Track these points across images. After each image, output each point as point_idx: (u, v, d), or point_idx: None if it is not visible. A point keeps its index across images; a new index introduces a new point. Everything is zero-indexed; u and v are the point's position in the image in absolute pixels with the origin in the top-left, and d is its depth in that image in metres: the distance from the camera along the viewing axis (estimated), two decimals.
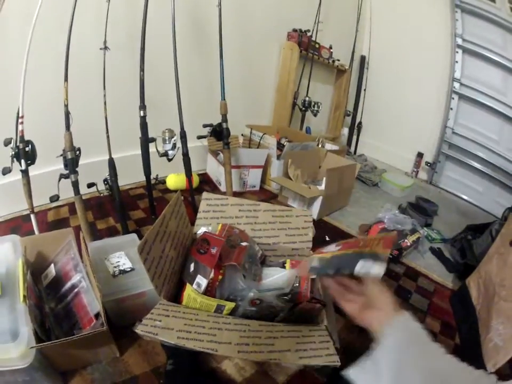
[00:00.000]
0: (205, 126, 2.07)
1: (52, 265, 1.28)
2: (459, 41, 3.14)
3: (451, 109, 3.33)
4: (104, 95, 1.76)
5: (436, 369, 0.63)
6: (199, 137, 2.07)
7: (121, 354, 1.16)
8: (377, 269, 0.74)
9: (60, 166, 1.57)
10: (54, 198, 1.58)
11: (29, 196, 1.58)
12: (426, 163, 3.61)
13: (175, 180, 2.38)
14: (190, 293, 0.96)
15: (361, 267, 0.76)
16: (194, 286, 0.97)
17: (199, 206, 1.38)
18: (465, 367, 0.64)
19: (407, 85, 3.69)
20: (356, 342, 1.29)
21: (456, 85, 3.26)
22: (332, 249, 0.90)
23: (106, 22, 1.76)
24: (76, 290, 1.16)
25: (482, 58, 3.04)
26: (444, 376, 0.62)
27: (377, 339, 0.70)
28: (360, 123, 4.03)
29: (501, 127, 3.03)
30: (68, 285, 1.19)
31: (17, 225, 1.81)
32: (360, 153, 4.01)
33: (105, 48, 1.77)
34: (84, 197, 1.62)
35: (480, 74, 3.11)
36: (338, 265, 0.82)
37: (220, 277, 0.99)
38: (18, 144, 1.50)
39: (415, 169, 3.74)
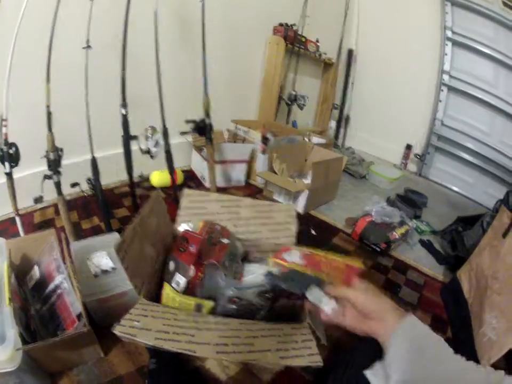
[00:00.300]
0: (187, 122, 2.06)
1: (36, 266, 1.27)
2: (449, 34, 3.15)
3: (440, 101, 3.34)
4: (86, 95, 1.74)
5: (447, 372, 0.62)
6: (182, 134, 2.06)
7: (106, 355, 1.17)
8: (325, 305, 0.79)
9: (44, 167, 1.57)
10: (39, 200, 1.58)
11: (14, 198, 1.59)
12: (415, 155, 3.62)
13: (159, 177, 2.37)
14: (169, 292, 0.95)
15: (311, 295, 0.80)
16: (173, 284, 0.96)
17: (180, 203, 1.37)
18: (473, 366, 0.63)
19: (396, 77, 3.69)
20: (344, 338, 1.28)
21: (446, 77, 3.27)
22: (295, 260, 0.90)
23: (89, 21, 1.74)
24: (58, 291, 1.16)
25: (472, 51, 3.06)
26: (455, 379, 0.62)
27: (384, 347, 0.68)
28: (348, 116, 4.04)
29: (492, 119, 3.05)
30: (51, 286, 1.19)
31: (4, 228, 1.80)
32: (348, 146, 4.01)
33: (88, 47, 1.75)
34: (69, 197, 1.62)
35: (470, 67, 3.12)
36: (293, 282, 0.84)
37: (201, 274, 0.98)
38: (2, 147, 1.49)
39: (404, 161, 3.75)
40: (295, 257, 0.88)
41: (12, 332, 0.93)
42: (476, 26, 2.98)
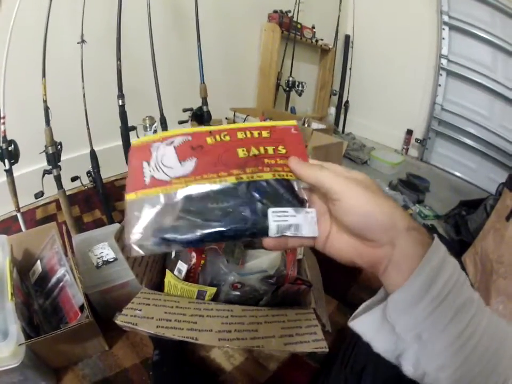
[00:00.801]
0: (184, 110, 2.04)
1: (38, 261, 1.28)
2: (445, 18, 3.12)
3: (439, 85, 3.32)
4: (83, 88, 1.74)
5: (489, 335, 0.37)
6: (180, 122, 2.04)
7: (110, 348, 1.17)
8: (307, 227, 0.44)
9: (44, 163, 1.57)
10: (39, 195, 1.59)
11: (14, 194, 1.58)
12: (416, 140, 3.60)
13: None
14: (170, 279, 0.95)
15: (276, 224, 0.43)
16: (175, 272, 0.96)
17: None
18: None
19: (394, 62, 3.67)
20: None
21: (444, 61, 3.24)
22: (173, 167, 0.47)
23: (83, 15, 1.73)
24: (61, 284, 1.16)
25: (469, 35, 3.03)
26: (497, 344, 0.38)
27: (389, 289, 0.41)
28: (347, 102, 4.01)
29: (492, 103, 3.03)
30: (54, 279, 1.19)
31: (7, 226, 1.82)
32: (348, 132, 4.00)
33: (82, 41, 1.75)
34: (69, 192, 1.63)
35: (468, 51, 3.09)
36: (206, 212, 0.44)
37: (202, 261, 0.97)
38: (1, 144, 1.49)
39: (405, 147, 3.73)
40: (169, 160, 0.47)
41: (15, 327, 0.93)
42: (472, 11, 2.96)
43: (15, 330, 0.92)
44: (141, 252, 0.41)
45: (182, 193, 0.44)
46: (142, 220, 0.42)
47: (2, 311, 0.99)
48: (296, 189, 0.46)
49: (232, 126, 0.50)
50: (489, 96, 3.01)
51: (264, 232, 0.43)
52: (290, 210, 0.44)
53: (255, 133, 0.50)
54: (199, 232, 0.42)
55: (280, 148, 0.49)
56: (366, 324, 0.43)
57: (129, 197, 0.45)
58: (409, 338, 0.38)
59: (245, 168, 0.46)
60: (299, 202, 0.45)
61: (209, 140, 0.49)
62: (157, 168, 0.46)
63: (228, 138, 0.49)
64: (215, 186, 0.45)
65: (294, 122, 0.53)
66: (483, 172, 3.18)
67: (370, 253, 0.41)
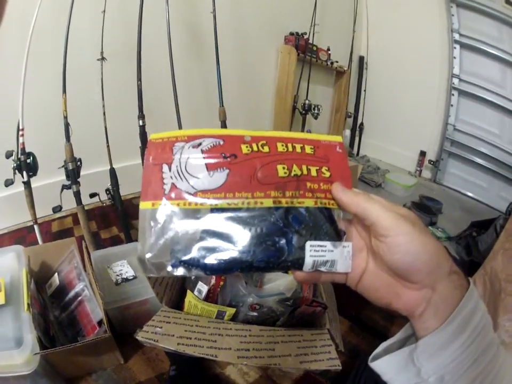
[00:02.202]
0: None
1: (56, 274, 1.30)
2: (456, 36, 3.12)
3: (451, 105, 3.31)
4: (103, 106, 1.77)
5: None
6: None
7: (126, 361, 1.18)
8: (342, 262, 0.41)
9: (62, 177, 1.60)
10: (57, 209, 1.60)
11: (32, 207, 1.60)
12: (429, 161, 3.59)
13: None
14: (191, 299, 0.97)
15: (313, 259, 0.40)
16: (196, 292, 0.97)
17: None
18: None
19: (407, 83, 3.66)
20: (361, 345, 1.28)
21: (456, 80, 3.24)
22: (203, 179, 0.40)
23: (102, 32, 1.77)
24: (79, 298, 1.18)
25: (479, 52, 3.02)
26: None
27: (419, 332, 0.39)
28: (361, 124, 4.00)
29: (502, 121, 3.01)
30: (72, 293, 1.21)
31: (21, 236, 1.84)
32: (362, 154, 3.99)
33: (102, 58, 1.79)
34: (86, 207, 1.63)
35: (478, 69, 3.08)
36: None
37: (222, 283, 0.99)
38: (19, 156, 1.51)
39: (419, 168, 3.72)
40: (195, 168, 0.41)
41: (30, 336, 0.95)
42: (481, 26, 2.95)
43: (30, 340, 0.94)
44: (154, 272, 0.38)
45: (207, 210, 0.39)
46: (158, 235, 0.38)
47: (17, 320, 1.01)
48: (336, 219, 0.42)
49: (272, 134, 0.44)
50: (500, 113, 2.99)
51: (299, 266, 0.39)
52: (328, 244, 0.40)
53: (298, 147, 0.44)
54: (225, 260, 0.38)
55: (324, 169, 0.43)
56: (388, 365, 0.42)
57: (144, 205, 0.40)
58: (432, 380, 0.37)
59: (284, 191, 0.41)
60: (337, 235, 0.41)
61: (244, 149, 0.42)
62: (179, 175, 0.40)
63: (266, 149, 0.43)
64: (248, 209, 0.39)
65: (339, 138, 0.47)
66: (494, 190, 3.15)
67: (409, 295, 0.39)
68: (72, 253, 1.31)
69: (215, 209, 0.39)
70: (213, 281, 0.97)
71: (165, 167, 0.40)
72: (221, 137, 0.42)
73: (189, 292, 0.97)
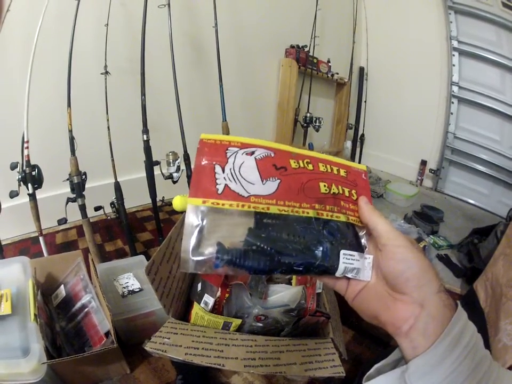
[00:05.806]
0: None
1: (62, 286, 1.31)
2: (455, 43, 3.14)
3: (451, 113, 3.32)
4: (107, 120, 1.79)
5: None
6: None
7: (132, 371, 1.19)
8: (364, 272, 0.46)
9: (67, 190, 1.61)
10: (62, 221, 1.62)
11: (37, 218, 1.61)
12: (430, 170, 3.60)
13: (181, 201, 2.39)
14: (198, 311, 0.98)
15: (344, 266, 0.45)
16: (202, 304, 0.99)
17: None
18: None
19: (407, 93, 3.69)
20: (364, 354, 1.29)
21: (455, 88, 3.25)
22: (253, 182, 0.44)
23: (106, 46, 1.80)
24: (85, 310, 1.20)
25: (478, 59, 3.04)
26: None
27: (406, 350, 0.41)
28: (362, 135, 4.00)
29: (502, 126, 3.02)
30: (78, 305, 1.23)
31: (26, 247, 1.85)
32: (363, 165, 3.94)
33: (106, 73, 1.81)
34: (91, 220, 1.65)
35: (477, 75, 3.10)
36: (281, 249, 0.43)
37: (227, 295, 1.00)
38: (24, 168, 1.52)
39: (420, 177, 3.73)
40: (249, 173, 0.44)
41: (37, 345, 0.97)
42: (479, 32, 2.97)
43: (37, 349, 0.96)
44: (198, 269, 0.39)
45: (258, 214, 0.42)
46: (205, 232, 0.40)
47: (23, 330, 1.02)
48: (360, 235, 0.49)
49: (313, 154, 0.50)
50: (499, 119, 3.01)
51: (332, 271, 0.45)
52: (356, 254, 0.46)
53: (335, 169, 0.51)
54: (269, 262, 0.41)
55: (353, 192, 0.50)
56: None
57: (194, 202, 0.41)
58: None
59: (325, 205, 0.47)
60: (360, 248, 0.47)
61: (293, 164, 0.47)
62: (233, 178, 0.43)
63: (310, 167, 0.48)
64: (295, 217, 0.44)
65: (364, 167, 0.55)
66: (495, 196, 3.16)
67: (397, 308, 0.42)
68: (79, 265, 1.33)
69: (259, 214, 0.42)
70: (219, 293, 0.99)
71: (218, 168, 0.43)
72: (272, 150, 0.47)
73: (195, 303, 0.99)
